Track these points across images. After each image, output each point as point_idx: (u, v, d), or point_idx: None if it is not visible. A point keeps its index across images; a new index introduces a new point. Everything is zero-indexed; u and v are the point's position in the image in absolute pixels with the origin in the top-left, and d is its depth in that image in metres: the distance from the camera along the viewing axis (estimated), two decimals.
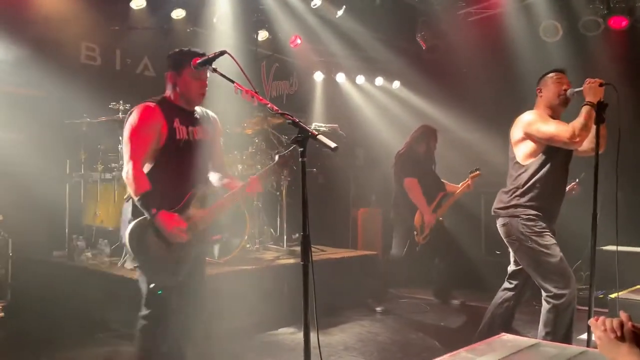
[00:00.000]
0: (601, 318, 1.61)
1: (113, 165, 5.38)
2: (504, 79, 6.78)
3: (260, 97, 2.53)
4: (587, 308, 3.12)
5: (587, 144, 3.44)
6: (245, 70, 2.57)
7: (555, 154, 3.51)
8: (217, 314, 4.23)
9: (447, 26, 7.24)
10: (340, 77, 8.44)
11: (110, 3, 6.03)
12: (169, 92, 3.03)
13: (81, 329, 4.38)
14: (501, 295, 3.87)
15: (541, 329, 3.52)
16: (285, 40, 7.28)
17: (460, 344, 2.48)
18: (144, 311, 2.95)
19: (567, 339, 3.41)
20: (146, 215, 2.82)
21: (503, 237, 3.70)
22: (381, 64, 8.19)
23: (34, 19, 5.39)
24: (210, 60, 2.75)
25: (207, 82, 3.01)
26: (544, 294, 3.52)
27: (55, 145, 5.38)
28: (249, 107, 5.64)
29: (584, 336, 3.40)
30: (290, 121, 2.30)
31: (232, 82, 2.59)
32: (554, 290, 3.44)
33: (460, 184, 5.69)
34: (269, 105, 2.48)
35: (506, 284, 3.88)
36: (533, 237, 3.50)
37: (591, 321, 1.63)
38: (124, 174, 2.89)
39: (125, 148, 2.91)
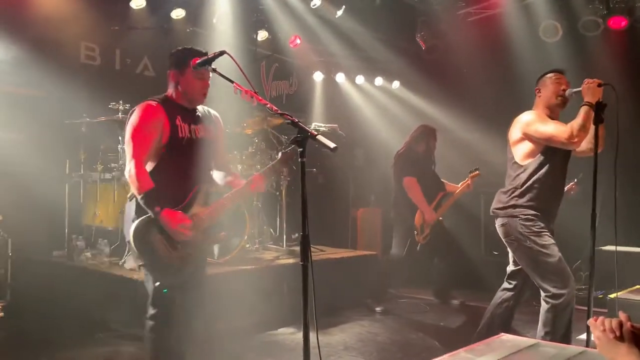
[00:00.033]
0: (600, 318, 1.62)
1: (113, 165, 5.37)
2: (504, 79, 6.77)
3: (260, 97, 2.52)
4: (586, 308, 3.12)
5: (586, 144, 3.45)
6: (244, 70, 2.56)
7: (553, 154, 3.51)
8: (217, 313, 4.22)
9: (447, 26, 7.23)
10: (340, 77, 8.43)
11: (110, 3, 6.02)
12: (170, 91, 3.01)
13: (81, 329, 4.38)
14: (500, 295, 3.87)
15: (540, 329, 3.53)
16: (285, 40, 7.27)
17: (460, 344, 2.49)
18: (151, 311, 2.91)
19: (566, 339, 3.42)
20: (150, 213, 2.79)
21: (502, 237, 3.71)
22: (381, 64, 8.18)
23: (33, 19, 5.39)
24: (209, 61, 2.75)
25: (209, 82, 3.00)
26: (542, 294, 3.53)
27: (55, 145, 5.38)
28: (248, 107, 5.63)
29: (583, 336, 3.42)
30: (289, 121, 2.30)
31: (232, 82, 2.58)
32: (553, 290, 3.45)
33: (460, 184, 5.68)
34: (268, 106, 2.48)
35: (505, 284, 3.88)
36: (532, 237, 3.50)
37: (590, 321, 1.63)
38: (126, 173, 2.86)
39: (127, 147, 2.89)
